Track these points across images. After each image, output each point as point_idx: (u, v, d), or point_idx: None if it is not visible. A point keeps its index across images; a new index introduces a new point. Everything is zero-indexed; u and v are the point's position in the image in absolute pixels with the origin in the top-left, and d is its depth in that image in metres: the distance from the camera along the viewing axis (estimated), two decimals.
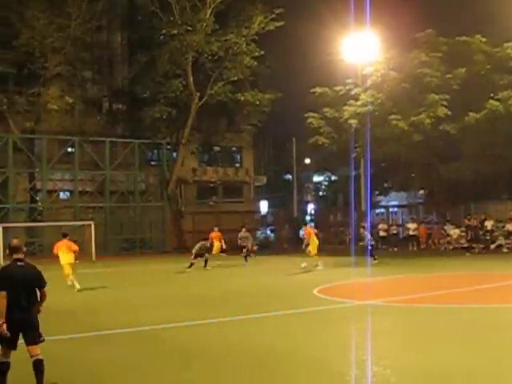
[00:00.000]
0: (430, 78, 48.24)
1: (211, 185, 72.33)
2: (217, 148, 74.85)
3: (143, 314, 19.51)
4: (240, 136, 70.21)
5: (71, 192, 60.70)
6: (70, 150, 59.34)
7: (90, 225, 51.18)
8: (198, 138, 67.70)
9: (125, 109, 67.56)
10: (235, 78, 61.42)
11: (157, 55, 60.80)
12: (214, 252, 39.84)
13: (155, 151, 69.12)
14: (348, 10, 46.99)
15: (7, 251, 11.04)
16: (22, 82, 58.62)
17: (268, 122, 67.02)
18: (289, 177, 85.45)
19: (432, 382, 11.01)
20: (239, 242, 42.91)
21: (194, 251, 36.79)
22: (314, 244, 35.27)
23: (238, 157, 77.34)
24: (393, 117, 47.07)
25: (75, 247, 27.26)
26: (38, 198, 58.55)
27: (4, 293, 10.24)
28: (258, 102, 62.33)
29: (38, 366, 10.39)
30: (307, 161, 78.11)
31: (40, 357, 10.46)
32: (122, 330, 16.59)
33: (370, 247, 37.25)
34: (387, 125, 47.14)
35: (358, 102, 48.90)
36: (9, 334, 10.18)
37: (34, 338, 10.53)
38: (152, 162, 70.04)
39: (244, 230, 43.83)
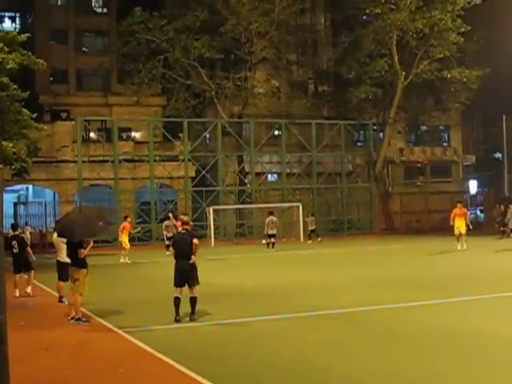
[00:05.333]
0: None
1: (419, 165, 71.34)
2: (424, 127, 73.77)
3: (352, 296, 19.39)
4: (447, 114, 68.87)
5: (279, 174, 61.57)
6: (276, 132, 60.15)
7: (298, 206, 51.69)
8: (405, 118, 67.01)
9: (330, 90, 67.73)
10: (441, 56, 60.00)
11: (361, 35, 60.56)
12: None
13: (361, 132, 68.97)
14: None
15: (180, 223, 16.78)
16: (228, 68, 59.97)
17: (476, 99, 65.07)
18: (499, 155, 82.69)
19: None
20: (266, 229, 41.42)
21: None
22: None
23: (446, 136, 75.87)
24: None
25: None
26: (246, 181, 59.82)
27: (172, 250, 16.73)
28: (465, 79, 60.60)
29: (192, 300, 15.53)
30: None
31: (195, 295, 15.54)
32: (330, 312, 16.55)
33: None
34: None
35: None
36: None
37: (192, 280, 15.52)
38: (358, 143, 70.03)
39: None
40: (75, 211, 17.89)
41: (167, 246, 35.11)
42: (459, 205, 36.11)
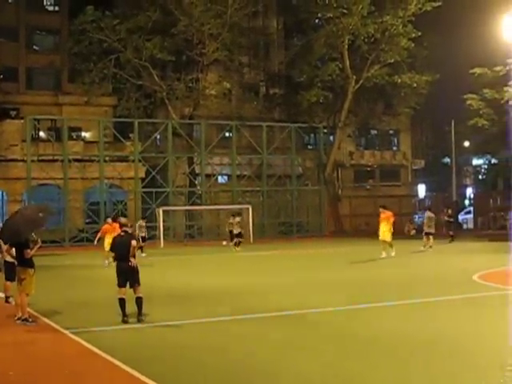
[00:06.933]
0: None
1: (368, 168, 71.95)
2: (374, 131, 74.40)
3: (297, 298, 19.55)
4: (397, 119, 69.44)
5: (229, 176, 61.64)
6: (227, 134, 60.22)
7: (248, 208, 51.84)
8: (355, 122, 67.50)
9: (281, 93, 67.99)
10: (392, 61, 60.57)
11: (313, 39, 60.94)
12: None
13: (312, 135, 69.41)
14: None
15: (120, 226, 16.84)
16: (180, 69, 59.81)
17: (426, 104, 65.93)
18: (447, 160, 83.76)
19: None
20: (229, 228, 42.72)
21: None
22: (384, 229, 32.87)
23: (396, 140, 76.65)
24: None
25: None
26: (196, 182, 59.74)
27: (112, 253, 16.74)
28: (415, 84, 61.32)
29: (138, 301, 15.60)
30: (466, 143, 76.10)
31: (140, 295, 15.61)
32: (279, 313, 16.66)
33: None
34: None
35: None
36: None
37: (133, 281, 15.66)
38: (309, 146, 70.40)
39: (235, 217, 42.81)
40: (16, 215, 17.55)
41: (141, 248, 33.36)
42: (381, 209, 33.92)
